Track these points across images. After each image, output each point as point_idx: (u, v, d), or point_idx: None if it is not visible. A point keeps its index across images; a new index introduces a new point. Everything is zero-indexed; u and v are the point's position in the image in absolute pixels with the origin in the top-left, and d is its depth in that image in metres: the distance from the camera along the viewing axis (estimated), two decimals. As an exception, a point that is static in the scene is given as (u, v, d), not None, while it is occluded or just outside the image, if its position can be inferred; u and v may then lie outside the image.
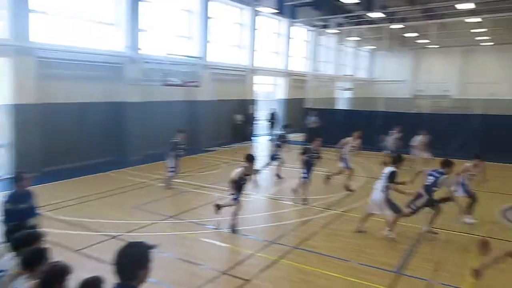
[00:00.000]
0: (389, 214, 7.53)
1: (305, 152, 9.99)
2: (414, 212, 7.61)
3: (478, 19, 23.99)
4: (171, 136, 11.30)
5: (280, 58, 25.02)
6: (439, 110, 24.17)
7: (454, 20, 25.48)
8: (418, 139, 14.09)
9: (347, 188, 11.04)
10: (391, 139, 14.82)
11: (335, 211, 9.33)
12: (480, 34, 30.29)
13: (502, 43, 33.00)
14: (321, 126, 19.80)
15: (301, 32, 27.17)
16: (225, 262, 6.54)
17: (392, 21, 25.76)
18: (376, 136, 15.95)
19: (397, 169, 7.50)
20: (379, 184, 7.58)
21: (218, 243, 7.36)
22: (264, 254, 6.87)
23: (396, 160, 7.68)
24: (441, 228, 7.97)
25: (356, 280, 5.95)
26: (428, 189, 7.56)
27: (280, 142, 12.89)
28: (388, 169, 7.54)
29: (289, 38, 25.35)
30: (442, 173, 7.52)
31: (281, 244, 7.25)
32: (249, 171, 7.85)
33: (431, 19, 24.89)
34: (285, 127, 14.34)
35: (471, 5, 21.24)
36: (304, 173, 9.89)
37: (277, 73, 24.83)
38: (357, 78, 36.50)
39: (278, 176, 12.63)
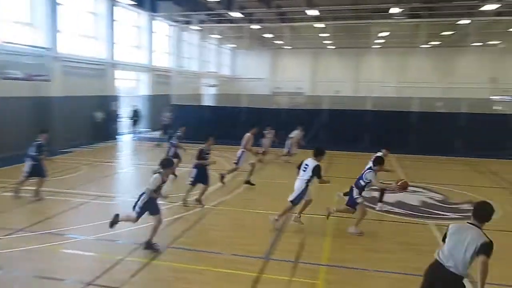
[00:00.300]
0: (291, 205, 7.95)
1: (200, 154, 9.43)
2: (355, 208, 7.94)
3: (322, 25, 27.12)
4: (14, 137, 9.85)
5: (142, 53, 24.04)
6: (295, 105, 26.54)
7: (303, 25, 28.26)
8: (296, 133, 15.14)
9: (221, 180, 11.17)
10: (267, 138, 15.32)
11: (206, 206, 9.43)
12: (325, 38, 34.28)
13: (342, 47, 37.98)
14: (174, 123, 19.72)
15: (163, 27, 26.56)
16: (91, 272, 6.01)
17: (251, 21, 27.21)
18: (239, 131, 16.75)
19: (319, 162, 7.89)
20: (304, 176, 7.90)
21: (82, 252, 6.72)
22: (134, 257, 6.55)
23: (317, 153, 7.96)
24: (303, 213, 8.78)
25: (229, 270, 6.14)
26: (357, 183, 7.98)
27: (175, 142, 12.50)
28: (311, 162, 7.89)
29: (151, 32, 24.54)
30: (370, 168, 7.93)
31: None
32: (166, 178, 7.03)
33: (284, 22, 27.11)
34: (181, 126, 13.82)
35: (316, 12, 23.83)
36: (191, 177, 9.38)
37: (139, 68, 23.82)
38: (221, 75, 37.52)
39: (174, 175, 12.15)
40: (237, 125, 18.68)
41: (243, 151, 11.41)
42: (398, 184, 7.74)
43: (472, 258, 4.06)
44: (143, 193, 6.75)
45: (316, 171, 7.82)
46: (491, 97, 30.29)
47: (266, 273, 6.11)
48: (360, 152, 16.43)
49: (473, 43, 30.57)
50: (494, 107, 28.70)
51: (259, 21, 28.35)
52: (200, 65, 32.48)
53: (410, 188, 11.50)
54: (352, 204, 7.96)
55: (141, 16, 23.70)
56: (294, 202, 7.99)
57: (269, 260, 6.59)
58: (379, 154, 9.44)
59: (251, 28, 28.48)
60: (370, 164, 9.15)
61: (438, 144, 17.88)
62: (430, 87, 31.85)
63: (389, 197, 10.59)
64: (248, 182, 11.41)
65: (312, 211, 9.14)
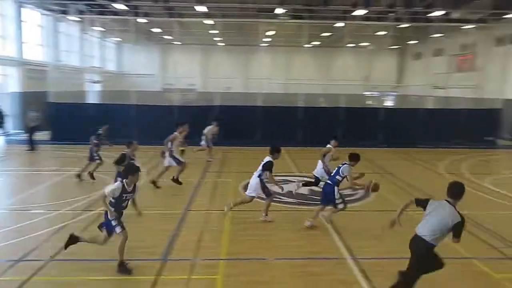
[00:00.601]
0: (265, 198, 8.18)
1: (122, 160, 8.18)
2: (346, 204, 7.88)
3: (212, 22, 27.19)
4: None
5: (9, 44, 21.13)
6: (187, 102, 26.21)
7: (192, 20, 27.99)
8: (209, 128, 14.86)
9: (177, 181, 10.74)
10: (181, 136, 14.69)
11: (94, 211, 8.72)
12: (215, 35, 34.49)
13: (232, 44, 38.69)
14: (50, 122, 17.91)
15: (35, 16, 23.74)
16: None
17: (136, 14, 25.94)
18: (127, 129, 16.01)
19: (273, 159, 8.11)
20: (257, 173, 8.11)
21: None
22: (8, 277, 5.73)
23: (272, 150, 8.20)
24: (200, 210, 8.68)
25: (124, 277, 5.77)
26: (333, 179, 7.89)
27: (97, 142, 11.37)
28: (266, 159, 8.16)
29: (20, 21, 21.73)
30: (345, 164, 7.87)
31: (32, 260, 6.23)
32: (131, 188, 5.98)
33: (172, 17, 26.48)
34: (102, 125, 12.41)
35: (205, 9, 23.76)
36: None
37: (6, 62, 20.90)
38: (106, 71, 35.14)
39: (93, 177, 11.18)
40: (126, 123, 17.76)
41: (171, 150, 10.81)
42: (371, 186, 7.67)
43: (444, 232, 4.71)
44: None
45: (267, 166, 8.06)
46: (364, 93, 34.01)
47: (164, 274, 5.90)
48: (252, 147, 16.93)
49: (348, 44, 33.84)
50: (367, 102, 32.34)
51: (145, 15, 27.18)
52: (81, 59, 29.89)
53: (300, 179, 12.31)
54: (330, 202, 7.88)
55: (5, 3, 20.79)
56: (266, 195, 8.20)
57: (167, 261, 6.38)
58: (328, 146, 10.18)
59: (138, 22, 27.19)
60: (321, 158, 9.88)
61: (322, 136, 19.34)
62: (314, 84, 34.36)
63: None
64: (154, 182, 10.74)
65: (208, 207, 9.14)
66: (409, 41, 36.70)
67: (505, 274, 6.09)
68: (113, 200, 5.84)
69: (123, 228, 5.87)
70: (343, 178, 7.76)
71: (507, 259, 6.71)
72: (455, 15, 22.89)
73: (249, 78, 38.80)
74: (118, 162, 8.17)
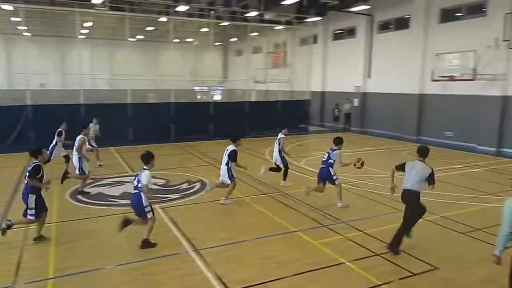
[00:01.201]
0: (228, 184, 9.01)
1: (39, 171, 6.76)
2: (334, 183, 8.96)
3: (11, 7, 23.22)
4: None
5: None
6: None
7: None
8: (91, 126, 13.35)
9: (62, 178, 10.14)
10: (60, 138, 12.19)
11: None
12: (20, 23, 29.60)
13: (39, 34, 33.98)
14: None
15: None
16: None
17: None
18: None
19: (237, 148, 9.01)
20: (224, 161, 8.97)
21: None
22: None
23: (234, 139, 9.05)
24: (16, 226, 7.41)
25: None
26: (327, 163, 8.82)
27: None
28: (230, 148, 8.96)
29: None
30: (334, 149, 8.78)
31: None
32: None
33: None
34: None
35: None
36: (32, 207, 6.75)
37: None
38: None
39: None
40: None
41: (79, 156, 9.96)
42: (359, 163, 8.67)
43: (422, 181, 6.30)
44: (139, 194, 6.59)
45: (232, 155, 8.88)
46: (194, 88, 34.72)
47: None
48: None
49: (173, 39, 33.81)
50: (197, 97, 33.20)
51: None
52: None
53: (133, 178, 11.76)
54: (331, 181, 8.88)
55: None
56: (231, 180, 9.03)
57: (-27, 295, 5.23)
58: (280, 135, 11.00)
59: None
60: (277, 145, 10.94)
61: (154, 132, 19.00)
62: (142, 79, 33.24)
63: (115, 190, 10.48)
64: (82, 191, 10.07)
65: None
66: (231, 38, 39.07)
67: (322, 239, 7.14)
68: (147, 185, 6.57)
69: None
70: (334, 161, 8.81)
71: (323, 227, 7.87)
72: (267, 16, 25.37)
73: (67, 73, 34.92)
74: (36, 174, 6.73)
